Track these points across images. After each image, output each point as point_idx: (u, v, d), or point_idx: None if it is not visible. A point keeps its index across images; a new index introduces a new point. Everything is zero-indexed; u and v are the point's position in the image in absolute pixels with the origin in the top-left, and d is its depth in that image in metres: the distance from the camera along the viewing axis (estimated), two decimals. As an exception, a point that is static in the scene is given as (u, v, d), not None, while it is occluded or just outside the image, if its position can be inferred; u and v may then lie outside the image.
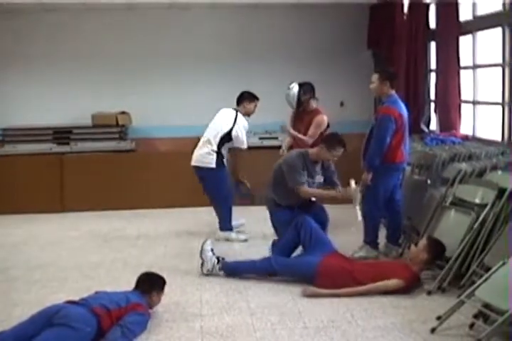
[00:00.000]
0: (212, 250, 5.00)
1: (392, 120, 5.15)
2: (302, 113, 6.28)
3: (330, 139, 5.33)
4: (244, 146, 6.11)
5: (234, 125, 6.02)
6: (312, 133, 6.14)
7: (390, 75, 5.37)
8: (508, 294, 3.44)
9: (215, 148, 6.00)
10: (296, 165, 5.26)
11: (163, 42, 9.49)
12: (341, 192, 5.30)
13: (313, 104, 6.26)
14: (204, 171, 6.03)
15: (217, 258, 4.98)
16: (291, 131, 6.28)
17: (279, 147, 6.55)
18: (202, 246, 5.02)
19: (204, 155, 6.01)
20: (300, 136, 6.21)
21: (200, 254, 5.01)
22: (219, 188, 6.07)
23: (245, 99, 6.19)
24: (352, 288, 4.45)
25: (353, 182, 5.19)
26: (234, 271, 4.94)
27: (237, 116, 6.08)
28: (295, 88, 6.19)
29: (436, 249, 4.57)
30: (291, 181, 5.25)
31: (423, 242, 4.62)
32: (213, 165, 5.99)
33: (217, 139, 6.01)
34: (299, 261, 4.88)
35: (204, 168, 6.01)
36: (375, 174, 5.26)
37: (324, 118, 6.19)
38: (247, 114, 6.20)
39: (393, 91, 5.32)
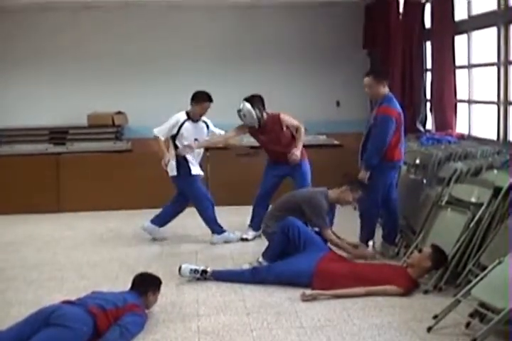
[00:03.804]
0: (193, 271, 4.83)
1: (392, 120, 5.15)
2: (260, 127, 6.00)
3: (354, 182, 5.28)
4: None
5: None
6: (297, 124, 5.99)
7: (384, 75, 5.36)
8: (504, 293, 3.46)
9: None
10: (323, 207, 5.22)
11: (159, 42, 9.49)
12: (358, 251, 5.31)
13: (265, 114, 5.98)
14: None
15: (201, 274, 4.82)
16: (297, 151, 5.93)
17: None
18: (180, 273, 4.85)
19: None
20: (296, 146, 5.95)
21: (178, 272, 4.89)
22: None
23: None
24: (350, 289, 4.45)
25: (370, 243, 5.34)
26: (222, 280, 4.84)
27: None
28: (246, 105, 5.86)
29: (440, 258, 4.53)
30: (318, 222, 5.19)
31: (428, 250, 4.55)
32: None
33: None
34: (292, 268, 4.73)
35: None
36: (374, 172, 5.26)
37: (286, 114, 6.01)
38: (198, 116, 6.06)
39: (388, 90, 5.31)
